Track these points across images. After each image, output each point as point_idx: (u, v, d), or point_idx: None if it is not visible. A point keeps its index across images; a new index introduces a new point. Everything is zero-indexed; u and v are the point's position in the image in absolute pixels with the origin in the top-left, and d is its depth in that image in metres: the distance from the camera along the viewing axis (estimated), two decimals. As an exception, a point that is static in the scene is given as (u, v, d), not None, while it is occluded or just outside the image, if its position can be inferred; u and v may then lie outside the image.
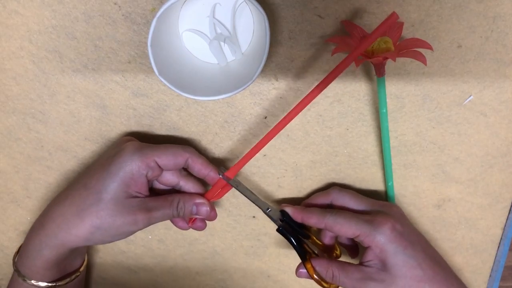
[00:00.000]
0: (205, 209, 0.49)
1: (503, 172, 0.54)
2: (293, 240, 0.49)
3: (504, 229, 0.57)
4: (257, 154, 0.52)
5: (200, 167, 0.48)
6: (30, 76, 0.49)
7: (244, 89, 0.42)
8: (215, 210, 0.50)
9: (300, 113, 0.50)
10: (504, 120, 0.51)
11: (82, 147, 0.53)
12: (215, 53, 0.47)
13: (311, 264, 0.48)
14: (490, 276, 0.59)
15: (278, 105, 0.50)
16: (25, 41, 0.48)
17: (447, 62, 0.48)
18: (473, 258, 0.58)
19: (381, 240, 0.45)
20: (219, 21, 0.46)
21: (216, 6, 0.45)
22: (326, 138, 0.52)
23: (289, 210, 0.50)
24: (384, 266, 0.45)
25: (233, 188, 0.49)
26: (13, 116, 0.51)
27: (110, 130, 0.52)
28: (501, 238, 0.57)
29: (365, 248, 0.46)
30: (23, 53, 0.48)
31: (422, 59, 0.43)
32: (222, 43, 0.46)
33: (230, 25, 0.46)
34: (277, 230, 0.50)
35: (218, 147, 0.53)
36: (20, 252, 0.49)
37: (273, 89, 0.50)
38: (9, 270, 0.59)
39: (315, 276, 0.48)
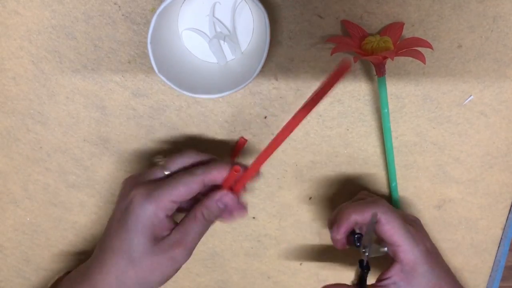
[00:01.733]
0: (230, 197, 0.45)
1: (503, 172, 0.54)
2: (365, 267, 0.45)
3: (504, 229, 0.57)
4: (257, 154, 0.52)
5: (219, 176, 0.44)
6: (29, 76, 0.49)
7: (243, 87, 0.42)
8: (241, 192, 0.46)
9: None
10: (504, 120, 0.51)
11: (81, 149, 0.53)
12: (215, 52, 0.46)
13: None
14: (490, 276, 0.59)
15: (278, 105, 0.50)
16: (25, 41, 0.48)
17: (447, 62, 0.49)
18: (473, 258, 0.58)
19: (417, 259, 0.43)
20: (219, 20, 0.46)
21: (216, 4, 0.45)
22: (326, 139, 0.52)
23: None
24: (408, 285, 0.44)
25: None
26: (12, 117, 0.51)
27: (110, 131, 0.52)
28: (501, 238, 0.57)
29: (391, 262, 0.45)
30: (22, 53, 0.48)
31: (421, 58, 0.43)
32: (221, 42, 0.46)
33: (230, 24, 0.46)
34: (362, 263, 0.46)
35: (218, 147, 0.52)
36: None
37: (273, 89, 0.50)
38: (9, 271, 0.59)
39: None
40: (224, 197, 0.44)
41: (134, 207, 0.42)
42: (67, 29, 0.47)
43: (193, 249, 0.44)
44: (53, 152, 0.53)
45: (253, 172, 0.43)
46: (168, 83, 0.42)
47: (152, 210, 0.42)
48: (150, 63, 0.41)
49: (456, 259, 0.58)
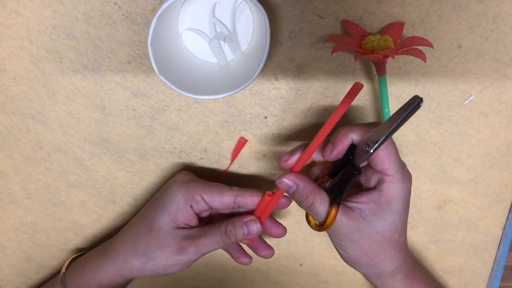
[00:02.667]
0: (256, 226, 0.46)
1: (503, 172, 0.54)
2: (344, 173, 0.43)
3: (504, 229, 0.57)
4: (257, 154, 0.52)
5: (251, 199, 0.47)
6: (29, 76, 0.49)
7: (244, 88, 0.42)
8: (277, 225, 0.48)
9: (300, 113, 0.51)
10: (504, 120, 0.51)
11: (81, 149, 0.53)
12: (215, 52, 0.46)
13: (335, 212, 0.41)
14: (490, 276, 0.59)
15: (278, 105, 0.50)
16: (25, 41, 0.48)
17: (447, 62, 0.49)
18: (473, 258, 0.58)
19: (397, 195, 0.41)
20: (219, 20, 0.46)
21: (216, 5, 0.45)
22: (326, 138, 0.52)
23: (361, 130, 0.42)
24: (372, 216, 0.42)
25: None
26: (12, 117, 0.51)
27: (110, 131, 0.52)
28: (501, 238, 0.57)
29: (367, 189, 0.43)
30: (23, 54, 0.48)
31: (421, 56, 0.43)
32: (222, 42, 0.46)
33: (230, 24, 0.46)
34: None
35: (218, 147, 0.52)
36: (73, 269, 0.51)
37: (273, 89, 0.50)
38: (9, 270, 0.59)
39: (329, 223, 0.42)
40: (251, 222, 0.46)
41: (171, 185, 0.48)
42: (67, 29, 0.47)
43: (203, 253, 0.46)
44: (54, 152, 0.53)
45: (278, 196, 0.45)
46: (169, 84, 0.42)
47: (183, 194, 0.47)
48: (150, 63, 0.41)
49: (456, 259, 0.58)
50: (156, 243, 0.46)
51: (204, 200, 0.47)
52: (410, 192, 0.43)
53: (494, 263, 0.58)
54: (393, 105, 0.50)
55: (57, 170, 0.54)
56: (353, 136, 0.41)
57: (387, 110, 0.48)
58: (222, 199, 0.47)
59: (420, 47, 0.44)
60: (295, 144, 0.52)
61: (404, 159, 0.52)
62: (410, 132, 0.52)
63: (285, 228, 0.49)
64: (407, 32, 0.47)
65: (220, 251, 0.51)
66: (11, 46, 0.48)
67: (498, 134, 0.52)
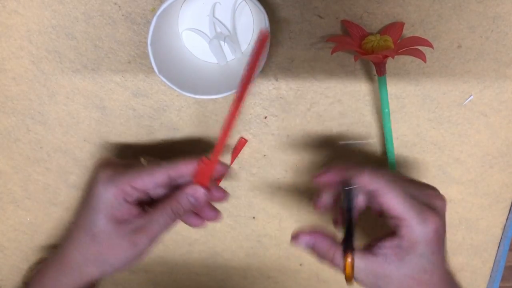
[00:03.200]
0: (201, 192, 0.44)
1: (503, 172, 0.54)
2: (351, 223, 0.42)
3: (504, 229, 0.56)
4: (257, 154, 0.52)
5: (185, 169, 0.44)
6: (29, 76, 0.49)
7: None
8: (218, 189, 0.46)
9: (300, 113, 0.51)
10: (504, 120, 0.51)
11: (81, 149, 0.53)
12: (215, 52, 0.47)
13: (352, 258, 0.40)
14: (490, 276, 0.59)
15: (278, 105, 0.50)
16: (25, 41, 0.48)
17: (447, 62, 0.49)
18: (473, 258, 0.58)
19: (418, 238, 0.39)
20: (219, 20, 0.46)
21: (216, 5, 0.45)
22: (326, 138, 0.52)
23: (365, 179, 0.41)
24: (398, 261, 0.40)
25: (234, 189, 0.49)
26: (12, 117, 0.51)
27: (109, 131, 0.52)
28: (501, 238, 0.57)
29: (391, 232, 0.41)
30: (23, 53, 0.48)
31: (421, 56, 0.43)
32: (222, 42, 0.46)
33: (230, 24, 0.46)
34: (344, 208, 0.42)
35: (218, 147, 0.52)
36: (32, 284, 0.48)
37: (273, 89, 0.50)
38: (9, 271, 0.59)
39: (349, 273, 0.41)
40: (195, 191, 0.44)
41: (97, 186, 0.43)
42: (67, 29, 0.47)
43: (156, 238, 0.44)
44: (53, 152, 0.53)
45: (215, 162, 0.43)
46: (169, 84, 0.42)
47: (111, 192, 0.43)
48: (150, 63, 0.41)
49: (456, 259, 0.58)
50: (106, 247, 0.44)
51: (136, 189, 0.43)
52: (439, 230, 0.40)
53: (494, 263, 0.58)
54: (393, 105, 0.50)
55: (57, 170, 0.54)
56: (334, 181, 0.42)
57: (387, 110, 0.48)
58: (154, 180, 0.44)
59: (420, 47, 0.44)
60: (295, 143, 0.52)
61: (404, 159, 0.53)
62: (410, 132, 0.52)
63: (227, 192, 0.46)
64: (407, 32, 0.47)
65: (220, 251, 0.51)
66: (11, 46, 0.48)
67: (498, 134, 0.52)
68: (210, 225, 0.56)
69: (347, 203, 0.41)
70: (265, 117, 0.51)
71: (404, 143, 0.52)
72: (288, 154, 0.53)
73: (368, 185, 0.41)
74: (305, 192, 0.55)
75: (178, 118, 0.51)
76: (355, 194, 0.41)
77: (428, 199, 0.42)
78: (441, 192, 0.55)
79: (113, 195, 0.43)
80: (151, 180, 0.43)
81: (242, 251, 0.58)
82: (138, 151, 0.53)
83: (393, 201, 0.39)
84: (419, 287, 0.41)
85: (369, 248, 0.41)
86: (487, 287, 0.59)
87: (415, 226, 0.39)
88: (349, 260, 0.40)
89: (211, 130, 0.52)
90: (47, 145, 0.53)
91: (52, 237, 0.57)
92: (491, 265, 0.58)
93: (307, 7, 0.46)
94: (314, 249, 0.43)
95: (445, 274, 0.42)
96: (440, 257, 0.41)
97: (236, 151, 0.52)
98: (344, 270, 0.41)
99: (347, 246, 0.41)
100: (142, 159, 0.47)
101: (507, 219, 0.56)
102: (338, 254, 0.41)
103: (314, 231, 0.43)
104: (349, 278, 0.41)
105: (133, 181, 0.43)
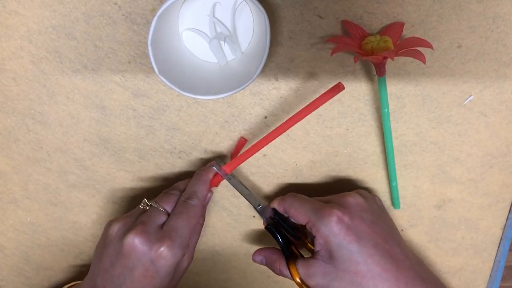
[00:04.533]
0: (210, 195, 0.51)
1: (503, 172, 0.54)
2: (279, 238, 0.49)
3: (504, 229, 0.56)
4: (257, 154, 0.52)
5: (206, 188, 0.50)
6: (29, 76, 0.49)
7: (244, 88, 0.42)
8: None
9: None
10: (504, 120, 0.51)
11: (81, 149, 0.53)
12: (215, 52, 0.46)
13: (295, 267, 0.47)
14: (490, 276, 0.59)
15: (278, 105, 0.50)
16: (25, 41, 0.48)
17: (447, 62, 0.49)
18: (473, 258, 0.58)
19: (325, 231, 0.44)
20: (219, 20, 0.46)
21: (216, 5, 0.45)
22: (326, 138, 0.52)
23: (275, 204, 0.50)
24: (330, 258, 0.44)
25: (234, 188, 0.50)
26: (12, 117, 0.51)
27: (110, 131, 0.52)
28: (501, 238, 0.57)
29: (314, 237, 0.46)
30: (22, 53, 0.48)
31: (421, 57, 0.43)
32: (222, 42, 0.46)
33: (230, 24, 0.46)
34: (266, 227, 0.50)
35: (218, 147, 0.52)
36: None
37: (273, 89, 0.50)
38: (9, 271, 0.59)
39: (297, 280, 0.46)
40: (209, 197, 0.51)
41: (166, 260, 0.44)
42: (67, 29, 0.47)
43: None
44: (54, 152, 0.53)
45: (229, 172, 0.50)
46: (169, 84, 0.42)
47: (180, 256, 0.45)
48: (150, 63, 0.41)
49: (456, 259, 0.58)
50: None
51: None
52: (343, 220, 0.44)
53: (494, 263, 0.58)
54: (393, 105, 0.50)
55: (57, 170, 0.54)
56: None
57: (386, 110, 0.48)
58: (199, 218, 0.48)
59: (419, 48, 0.44)
60: (295, 143, 0.52)
61: (403, 158, 0.53)
62: (410, 132, 0.52)
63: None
64: (407, 32, 0.47)
65: (221, 251, 0.51)
66: (11, 46, 0.48)
67: (498, 134, 0.52)
68: (210, 225, 0.56)
69: (273, 229, 0.49)
70: (265, 117, 0.51)
71: (404, 143, 0.52)
72: (288, 154, 0.53)
73: (278, 208, 0.49)
74: (305, 192, 0.55)
75: (178, 118, 0.51)
76: (269, 215, 0.50)
77: (332, 201, 0.48)
78: (441, 192, 0.55)
79: (185, 259, 0.46)
80: (197, 219, 0.48)
81: (242, 250, 0.58)
82: (138, 151, 0.53)
83: (296, 211, 0.47)
84: (363, 280, 0.43)
85: (312, 255, 0.47)
86: (487, 287, 0.59)
87: (316, 223, 0.45)
88: (292, 268, 0.46)
89: (211, 130, 0.52)
90: (47, 145, 0.53)
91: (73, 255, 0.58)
92: (491, 265, 0.58)
93: (307, 7, 0.46)
94: (266, 264, 0.50)
95: (388, 263, 0.44)
96: (367, 245, 0.44)
97: (236, 151, 0.52)
98: (293, 278, 0.46)
99: (288, 256, 0.48)
100: (150, 205, 0.48)
101: (507, 219, 0.56)
102: (283, 264, 0.48)
103: (265, 248, 0.51)
104: (299, 285, 0.46)
105: (189, 233, 0.46)
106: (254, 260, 0.51)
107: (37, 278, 0.60)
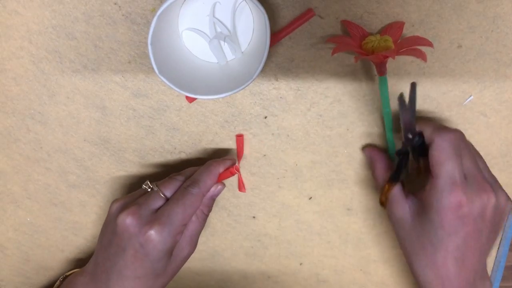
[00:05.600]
0: (221, 188, 0.51)
1: (503, 172, 0.54)
2: (403, 159, 0.46)
3: (504, 229, 0.56)
4: (257, 154, 0.52)
5: (213, 183, 0.50)
6: (29, 76, 0.49)
7: (244, 88, 0.42)
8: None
9: (300, 113, 0.51)
10: (504, 120, 0.51)
11: (81, 149, 0.53)
12: (215, 52, 0.46)
13: (391, 189, 0.45)
14: (490, 276, 0.59)
15: (278, 105, 0.50)
16: (25, 41, 0.48)
17: (447, 62, 0.48)
18: (473, 259, 0.58)
19: (441, 206, 0.41)
20: (219, 20, 0.46)
21: (216, 5, 0.45)
22: (326, 138, 0.52)
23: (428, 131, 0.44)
24: (423, 216, 0.42)
25: (234, 188, 0.50)
26: (12, 117, 0.51)
27: (110, 131, 0.52)
28: (501, 238, 0.57)
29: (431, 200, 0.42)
30: (23, 54, 0.48)
31: (422, 56, 0.43)
32: (222, 42, 0.46)
33: (230, 24, 0.46)
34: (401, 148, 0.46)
35: (218, 147, 0.52)
36: None
37: (273, 89, 0.50)
38: (9, 271, 0.59)
39: (382, 198, 0.46)
40: (220, 190, 0.51)
41: (154, 244, 0.44)
42: (67, 29, 0.47)
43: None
44: (54, 152, 0.53)
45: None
46: (169, 84, 0.42)
47: (171, 241, 0.45)
48: (150, 63, 0.41)
49: (456, 259, 0.58)
50: (170, 277, 0.48)
51: (185, 224, 0.47)
52: (461, 212, 0.41)
53: (494, 263, 0.58)
54: (394, 105, 0.50)
55: (57, 170, 0.54)
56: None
57: (387, 110, 0.48)
58: (196, 208, 0.48)
59: (420, 47, 0.44)
60: (295, 143, 0.52)
61: (404, 159, 0.52)
62: (410, 132, 0.52)
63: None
64: (407, 32, 0.47)
65: (221, 251, 0.51)
66: (11, 46, 0.48)
67: (498, 134, 0.52)
68: (210, 225, 0.56)
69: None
70: (265, 117, 0.51)
71: (404, 143, 0.52)
72: (288, 154, 0.53)
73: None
74: (305, 192, 0.55)
75: (178, 118, 0.51)
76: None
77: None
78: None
79: (173, 242, 0.45)
80: (194, 210, 0.47)
81: (242, 251, 0.58)
82: (138, 151, 0.53)
83: (435, 159, 0.42)
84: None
85: (413, 194, 0.45)
86: (487, 287, 0.59)
87: (440, 193, 0.41)
88: (386, 186, 0.46)
89: (211, 130, 0.52)
90: (47, 145, 0.53)
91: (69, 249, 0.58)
92: (491, 265, 0.58)
93: (307, 7, 0.46)
94: (370, 162, 0.51)
95: (468, 277, 0.43)
96: (462, 248, 0.42)
97: (239, 150, 0.52)
98: (380, 194, 0.46)
99: (393, 177, 0.46)
100: (151, 188, 0.48)
101: (507, 219, 0.56)
102: (377, 167, 0.49)
103: (381, 151, 0.50)
104: (382, 201, 0.46)
105: (184, 220, 0.46)
106: (363, 152, 0.52)
107: (37, 278, 0.60)
